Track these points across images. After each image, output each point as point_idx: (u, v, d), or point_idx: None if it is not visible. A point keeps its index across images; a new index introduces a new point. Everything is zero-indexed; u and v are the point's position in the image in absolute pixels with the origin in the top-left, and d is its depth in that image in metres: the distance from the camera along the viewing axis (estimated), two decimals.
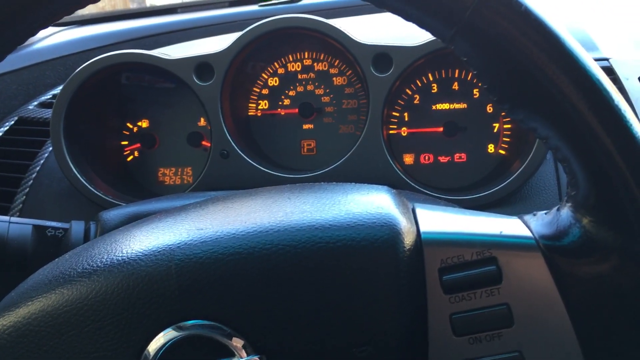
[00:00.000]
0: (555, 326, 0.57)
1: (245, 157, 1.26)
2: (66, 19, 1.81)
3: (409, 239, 0.60)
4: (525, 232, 0.62)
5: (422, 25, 0.56)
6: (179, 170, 1.42)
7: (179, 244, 0.58)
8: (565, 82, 0.51)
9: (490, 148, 1.34)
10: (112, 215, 0.94)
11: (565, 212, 0.59)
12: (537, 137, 0.67)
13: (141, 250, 0.57)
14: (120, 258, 0.57)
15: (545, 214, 0.65)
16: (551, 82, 0.51)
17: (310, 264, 0.57)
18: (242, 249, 0.58)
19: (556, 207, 0.62)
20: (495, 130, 1.34)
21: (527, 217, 0.66)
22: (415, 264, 0.59)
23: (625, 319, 0.56)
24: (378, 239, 0.60)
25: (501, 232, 0.63)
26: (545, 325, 0.58)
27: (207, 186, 1.27)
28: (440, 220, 0.65)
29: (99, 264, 0.56)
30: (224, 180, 1.27)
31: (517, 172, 1.19)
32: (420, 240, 0.60)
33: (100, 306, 0.53)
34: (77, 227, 0.92)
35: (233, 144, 1.25)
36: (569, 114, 0.52)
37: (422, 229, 0.62)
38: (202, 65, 1.24)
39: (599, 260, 0.54)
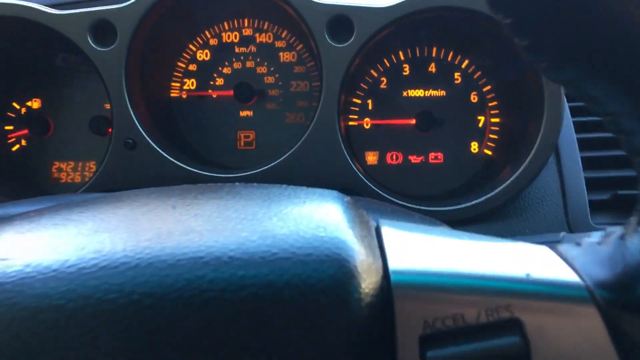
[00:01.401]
0: None
1: (159, 149, 0.96)
2: None
3: (368, 282, 0.40)
4: (568, 274, 0.41)
5: None
6: (79, 164, 1.11)
7: None
8: None
9: (474, 147, 1.07)
10: None
11: (638, 241, 0.39)
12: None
13: None
14: None
15: (599, 243, 0.44)
16: None
17: (193, 323, 0.37)
18: (76, 296, 0.36)
19: (617, 233, 0.42)
20: (480, 125, 1.07)
21: (565, 248, 0.45)
22: (378, 326, 0.39)
23: None
24: (314, 283, 0.39)
25: (528, 274, 0.42)
26: None
27: (106, 186, 0.96)
28: (421, 248, 0.46)
29: None
30: (130, 179, 0.96)
31: (511, 179, 0.92)
32: (389, 285, 0.41)
33: None
34: None
35: (142, 131, 0.95)
36: None
37: (393, 264, 0.43)
38: (101, 23, 0.94)
39: None
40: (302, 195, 0.50)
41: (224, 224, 0.43)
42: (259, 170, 0.96)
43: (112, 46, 0.95)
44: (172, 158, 0.98)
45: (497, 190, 0.95)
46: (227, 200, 0.49)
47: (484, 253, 0.44)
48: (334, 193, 0.51)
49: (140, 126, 0.97)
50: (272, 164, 0.96)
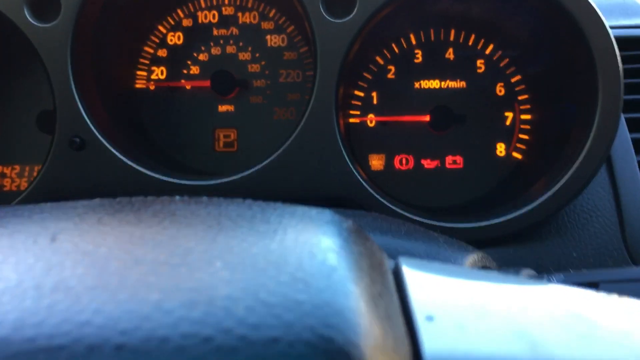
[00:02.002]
0: None
1: (113, 150, 0.77)
2: None
3: None
4: None
5: None
6: (26, 169, 0.92)
7: None
8: None
9: (500, 149, 0.88)
10: None
11: None
12: None
13: None
14: None
15: None
16: None
17: None
18: None
19: None
20: (507, 123, 0.88)
21: None
22: None
23: None
24: None
25: None
26: None
27: (50, 194, 0.77)
28: (469, 311, 0.30)
29: None
30: (80, 187, 0.77)
31: (553, 191, 0.73)
32: None
33: None
34: None
35: (92, 128, 0.76)
36: None
37: (431, 347, 0.25)
38: None
39: None
40: (274, 218, 0.32)
41: (118, 276, 0.24)
42: (237, 177, 0.77)
43: (54, 22, 0.76)
44: (131, 161, 0.79)
45: (533, 205, 0.77)
46: (145, 229, 0.30)
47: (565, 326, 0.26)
48: (327, 215, 0.32)
49: (91, 122, 0.78)
50: (253, 169, 0.77)
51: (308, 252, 0.28)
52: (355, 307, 0.24)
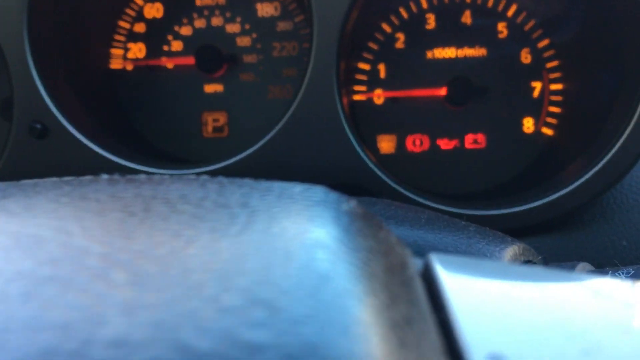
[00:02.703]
0: None
1: (81, 137, 0.66)
2: None
3: None
4: None
5: None
6: None
7: None
8: None
9: (528, 125, 0.78)
10: None
11: None
12: None
13: None
14: None
15: None
16: None
17: None
18: None
19: None
20: (535, 94, 0.77)
21: None
22: None
23: None
24: None
25: None
26: None
27: None
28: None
29: None
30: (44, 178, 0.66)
31: (592, 172, 0.62)
32: None
33: None
34: None
35: (55, 112, 0.66)
36: None
37: None
38: None
39: None
40: (236, 199, 0.21)
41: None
42: (223, 164, 0.67)
43: None
44: (104, 150, 0.68)
45: (570, 188, 0.66)
46: (37, 219, 0.19)
47: None
48: (318, 193, 0.21)
49: (55, 106, 0.67)
50: (241, 155, 0.67)
51: (282, 251, 0.17)
52: (363, 355, 0.13)
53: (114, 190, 0.26)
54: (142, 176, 0.29)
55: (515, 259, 0.47)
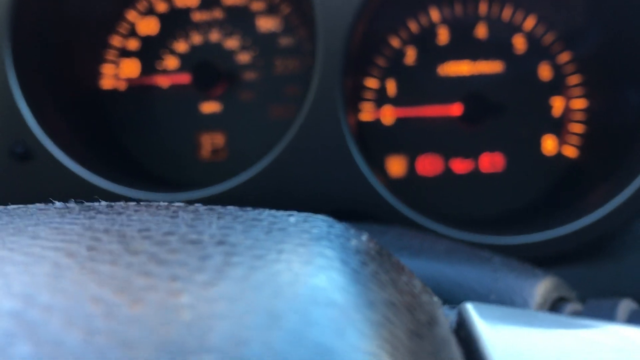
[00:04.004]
0: None
1: (68, 161, 0.61)
2: None
3: None
4: None
5: None
6: None
7: None
8: None
9: (549, 145, 0.71)
10: None
11: None
12: None
13: None
14: None
15: None
16: None
17: None
18: None
19: None
20: (556, 112, 0.71)
21: None
22: None
23: None
24: None
25: None
26: None
27: None
28: None
29: None
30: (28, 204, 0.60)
31: (623, 197, 0.57)
32: None
33: None
34: None
35: (39, 134, 0.61)
36: None
37: None
38: None
39: None
40: (211, 232, 0.16)
41: None
42: (219, 190, 0.61)
43: None
44: (91, 174, 0.63)
45: (596, 214, 0.60)
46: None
47: None
48: (320, 224, 0.16)
49: (39, 127, 0.62)
50: (238, 180, 0.61)
51: (266, 312, 0.12)
52: None
53: (60, 222, 0.20)
54: (103, 204, 0.24)
55: (547, 296, 0.41)
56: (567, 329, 0.23)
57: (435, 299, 0.19)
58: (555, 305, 0.41)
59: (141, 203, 0.24)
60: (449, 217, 0.71)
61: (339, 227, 0.20)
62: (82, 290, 0.15)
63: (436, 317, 0.17)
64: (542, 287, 0.41)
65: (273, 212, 0.21)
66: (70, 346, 0.13)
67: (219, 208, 0.22)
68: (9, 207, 0.25)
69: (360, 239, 0.19)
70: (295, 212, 0.21)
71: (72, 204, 0.24)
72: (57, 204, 0.24)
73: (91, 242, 0.18)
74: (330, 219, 0.21)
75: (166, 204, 0.23)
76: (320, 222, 0.20)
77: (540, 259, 0.61)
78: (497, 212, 0.73)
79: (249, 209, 0.22)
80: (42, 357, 0.12)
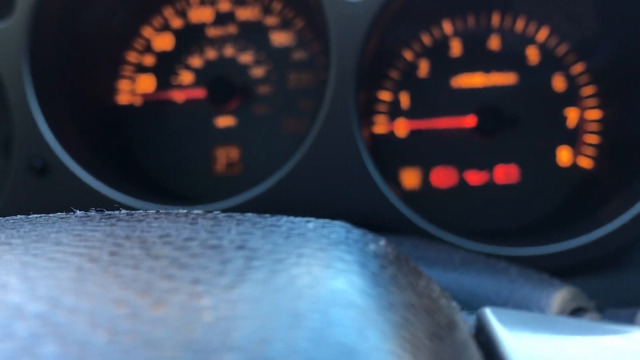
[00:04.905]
0: None
1: (85, 175, 0.62)
2: None
3: None
4: None
5: None
6: None
7: None
8: None
9: (564, 156, 0.71)
10: None
11: None
12: None
13: None
14: None
15: None
16: None
17: None
18: None
19: None
20: (571, 123, 0.71)
21: None
22: None
23: None
24: None
25: None
26: None
27: None
28: None
29: None
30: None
31: (637, 208, 0.57)
32: None
33: None
34: None
35: (56, 148, 0.62)
36: None
37: None
38: None
39: None
40: (229, 239, 0.16)
41: None
42: (233, 203, 0.62)
43: (8, 20, 0.62)
44: (107, 188, 0.64)
45: (613, 225, 0.60)
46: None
47: None
48: (338, 230, 0.16)
49: (56, 142, 0.63)
50: (252, 194, 0.62)
51: (288, 312, 0.12)
52: None
53: (82, 229, 0.21)
54: (123, 212, 0.24)
55: (565, 305, 0.41)
56: (587, 334, 0.23)
57: (454, 303, 0.19)
58: (573, 315, 0.41)
59: (160, 211, 0.24)
60: (464, 228, 0.71)
61: (356, 232, 0.20)
62: (106, 293, 0.15)
63: (455, 321, 0.17)
64: (560, 296, 0.41)
65: (291, 218, 0.21)
66: (96, 346, 0.13)
67: (237, 215, 0.22)
68: (30, 216, 0.26)
69: (378, 243, 0.19)
70: (313, 219, 0.21)
71: (92, 213, 0.25)
72: (78, 212, 0.25)
73: (113, 248, 0.18)
74: (347, 225, 0.21)
75: (185, 211, 0.24)
76: (338, 228, 0.20)
77: (557, 270, 0.60)
78: (513, 223, 0.73)
79: (267, 215, 0.22)
80: (69, 357, 0.12)
